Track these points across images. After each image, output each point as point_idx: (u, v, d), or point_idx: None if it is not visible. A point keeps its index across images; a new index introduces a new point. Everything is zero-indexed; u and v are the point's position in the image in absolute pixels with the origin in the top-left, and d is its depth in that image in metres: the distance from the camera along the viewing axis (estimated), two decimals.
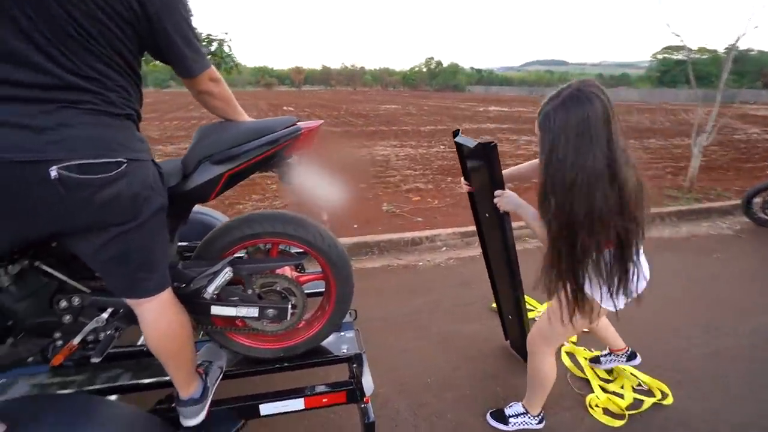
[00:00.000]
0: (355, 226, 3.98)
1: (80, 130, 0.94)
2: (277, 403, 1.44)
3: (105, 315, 1.28)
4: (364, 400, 1.45)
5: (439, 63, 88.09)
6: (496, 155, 1.57)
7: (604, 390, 2.01)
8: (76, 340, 1.28)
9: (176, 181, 1.20)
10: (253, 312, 1.39)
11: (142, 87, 1.11)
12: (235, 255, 1.41)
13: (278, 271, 1.49)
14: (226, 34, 8.20)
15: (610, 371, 2.13)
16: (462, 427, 1.80)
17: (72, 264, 1.22)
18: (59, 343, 1.29)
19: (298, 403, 1.46)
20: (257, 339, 1.55)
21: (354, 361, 1.56)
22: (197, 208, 1.81)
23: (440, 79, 79.82)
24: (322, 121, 1.39)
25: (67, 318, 1.26)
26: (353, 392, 1.49)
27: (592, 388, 2.02)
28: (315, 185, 1.39)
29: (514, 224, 1.79)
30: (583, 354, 2.24)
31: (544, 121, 1.24)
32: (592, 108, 1.18)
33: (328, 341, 1.63)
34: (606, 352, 2.11)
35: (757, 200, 4.18)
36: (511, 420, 1.78)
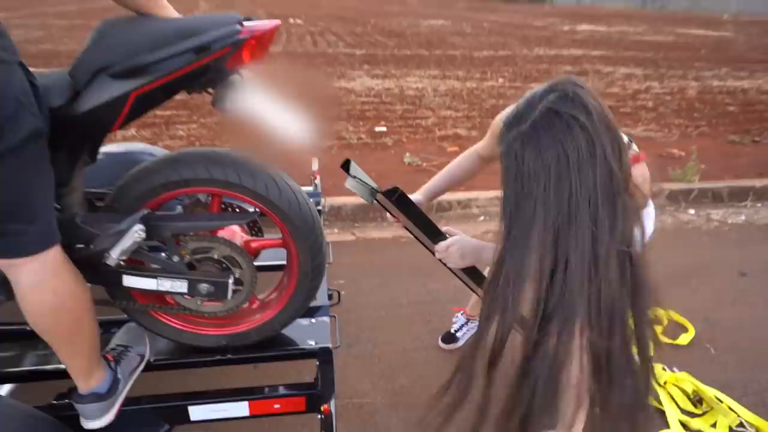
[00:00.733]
0: None
1: None
2: (214, 405, 1.46)
3: None
4: (323, 409, 1.44)
5: None
6: (405, 202, 1.48)
7: (686, 428, 1.93)
8: None
9: (63, 100, 1.16)
10: (181, 286, 1.38)
11: None
12: (159, 208, 1.38)
13: (221, 233, 1.47)
14: None
15: (698, 401, 2.04)
16: None
17: None
18: None
19: (240, 408, 1.47)
20: (192, 322, 1.55)
21: (319, 357, 1.54)
22: (129, 143, 1.79)
23: None
24: (278, 22, 1.31)
25: None
26: (316, 398, 1.48)
27: (667, 423, 1.94)
28: (266, 114, 1.29)
29: None
30: (660, 375, 2.13)
31: (508, 154, 1.06)
32: (572, 140, 0.99)
33: (293, 330, 1.61)
34: (460, 315, 2.33)
35: None
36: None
